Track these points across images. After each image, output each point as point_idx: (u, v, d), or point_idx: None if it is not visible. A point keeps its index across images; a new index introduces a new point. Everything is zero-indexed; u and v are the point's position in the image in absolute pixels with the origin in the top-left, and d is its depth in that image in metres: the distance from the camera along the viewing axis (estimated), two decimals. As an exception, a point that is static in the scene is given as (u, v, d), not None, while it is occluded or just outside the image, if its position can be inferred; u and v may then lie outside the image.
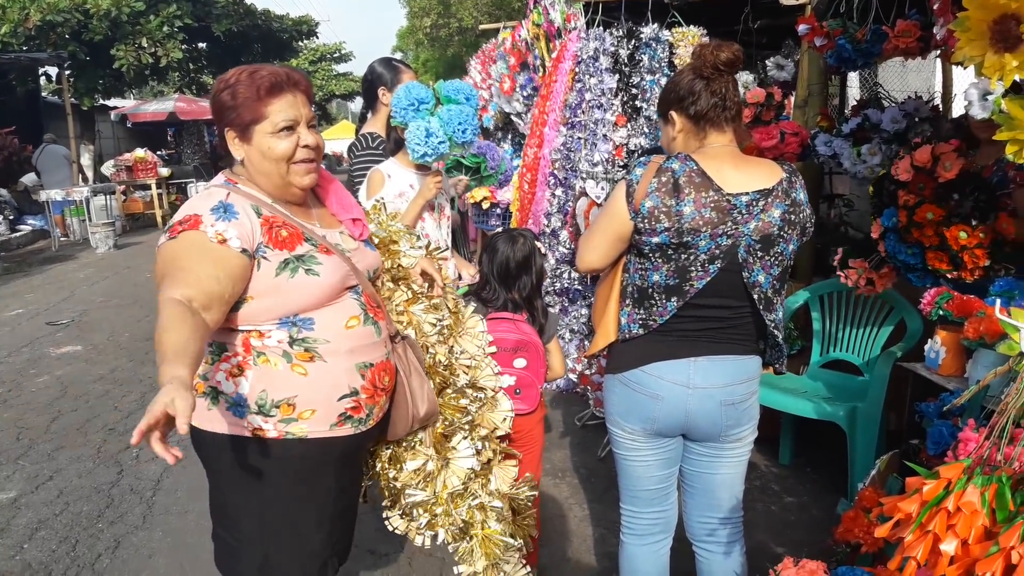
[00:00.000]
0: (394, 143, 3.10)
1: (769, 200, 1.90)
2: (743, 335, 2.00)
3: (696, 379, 1.97)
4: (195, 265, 1.63)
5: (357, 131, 3.66)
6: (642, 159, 1.97)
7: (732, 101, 1.95)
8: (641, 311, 1.97)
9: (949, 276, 2.70)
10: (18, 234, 12.41)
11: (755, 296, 1.93)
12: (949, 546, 1.11)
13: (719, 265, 1.90)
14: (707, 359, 1.98)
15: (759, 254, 1.91)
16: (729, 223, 1.87)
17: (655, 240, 1.90)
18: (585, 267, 2.10)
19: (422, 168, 3.03)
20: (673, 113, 2.01)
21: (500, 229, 4.35)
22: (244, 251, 1.68)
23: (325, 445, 1.81)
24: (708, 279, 1.90)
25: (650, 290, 1.95)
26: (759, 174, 1.93)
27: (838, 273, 3.38)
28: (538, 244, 2.72)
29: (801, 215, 1.96)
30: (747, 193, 1.88)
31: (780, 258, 1.94)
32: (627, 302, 2.01)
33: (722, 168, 1.91)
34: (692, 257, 1.89)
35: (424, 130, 2.81)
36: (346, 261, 1.85)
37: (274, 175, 1.79)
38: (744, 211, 1.88)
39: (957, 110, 4.69)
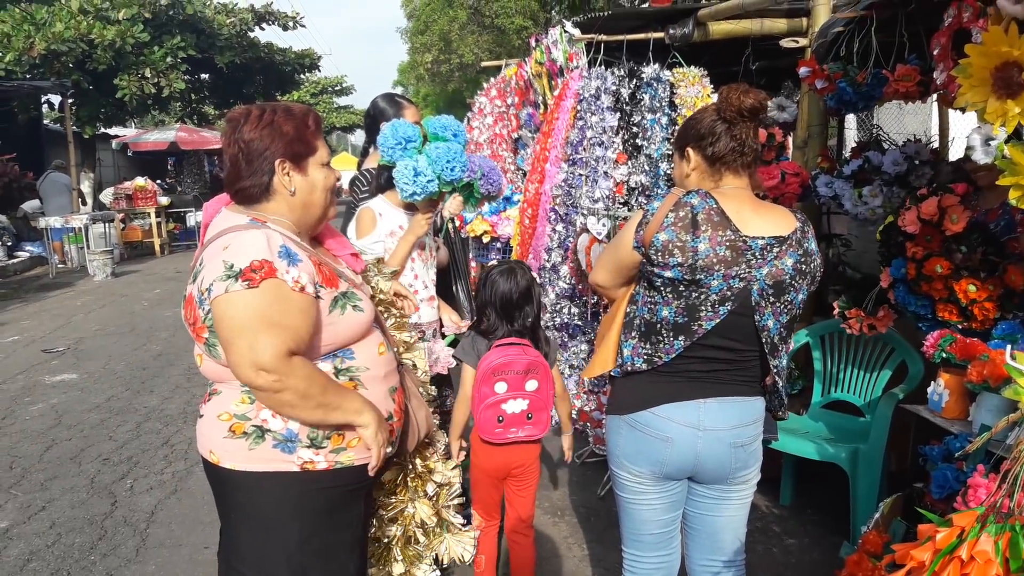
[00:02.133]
0: (385, 180, 3.06)
1: (783, 248, 1.90)
2: (748, 377, 2.00)
3: (706, 421, 1.96)
4: (287, 320, 1.64)
5: (359, 165, 3.67)
6: (661, 192, 1.99)
7: (750, 147, 1.95)
8: (647, 346, 1.96)
9: (960, 327, 2.71)
10: (16, 260, 12.40)
11: (763, 340, 1.93)
12: (963, 596, 1.10)
13: (729, 307, 1.89)
14: (716, 401, 1.96)
15: (771, 299, 1.91)
16: (743, 265, 1.87)
17: (667, 274, 1.89)
18: (592, 281, 2.19)
19: (411, 207, 3.02)
20: (690, 150, 2.00)
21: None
22: (317, 296, 1.72)
23: (365, 471, 1.84)
24: (717, 321, 1.90)
25: (658, 325, 1.94)
26: (776, 221, 1.94)
27: (842, 326, 3.39)
28: (533, 274, 2.75)
29: (812, 264, 1.96)
30: (763, 237, 1.89)
31: (790, 306, 1.95)
32: (632, 335, 2.00)
33: (741, 210, 1.91)
34: (703, 296, 1.89)
35: (412, 169, 2.80)
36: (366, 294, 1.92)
37: (319, 207, 1.86)
38: (758, 255, 1.88)
39: (954, 153, 4.74)
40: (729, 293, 1.89)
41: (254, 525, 1.80)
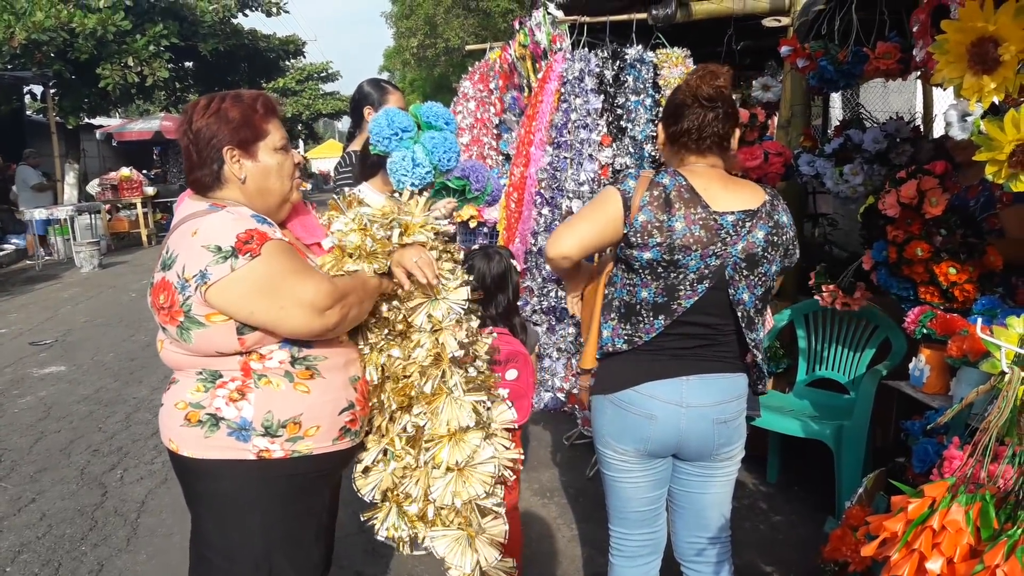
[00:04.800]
0: (370, 166, 3.01)
1: (754, 222, 1.93)
2: (728, 352, 2.02)
3: (689, 398, 1.98)
4: (301, 265, 1.71)
5: (344, 149, 3.66)
6: (631, 171, 2.00)
7: (711, 132, 1.95)
8: (627, 327, 1.98)
9: (942, 308, 2.74)
10: (1, 253, 12.32)
11: (739, 314, 1.95)
12: (935, 564, 1.12)
13: (707, 285, 1.92)
14: (698, 378, 1.99)
15: (744, 273, 1.93)
16: (718, 243, 1.90)
17: (646, 256, 1.91)
18: (559, 252, 2.00)
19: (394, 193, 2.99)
20: (660, 125, 2.08)
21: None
22: None
23: (326, 459, 1.84)
24: (696, 298, 1.92)
25: (638, 306, 1.96)
26: (744, 195, 1.96)
27: (815, 296, 3.42)
28: (513, 262, 2.73)
29: (784, 237, 1.98)
30: (733, 213, 1.91)
31: (764, 279, 1.97)
32: (612, 316, 2.02)
33: (709, 186, 1.93)
34: (681, 276, 1.91)
35: (411, 160, 2.77)
36: None
37: (278, 191, 1.84)
38: (731, 231, 1.90)
39: (938, 130, 4.75)
40: (707, 271, 1.91)
41: (218, 513, 1.80)
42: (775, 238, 1.95)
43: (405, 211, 2.00)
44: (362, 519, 2.05)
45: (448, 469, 1.91)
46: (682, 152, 2.01)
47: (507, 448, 2.03)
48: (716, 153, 1.99)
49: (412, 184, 2.78)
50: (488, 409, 2.02)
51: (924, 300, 2.80)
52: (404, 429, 1.96)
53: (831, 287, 3.28)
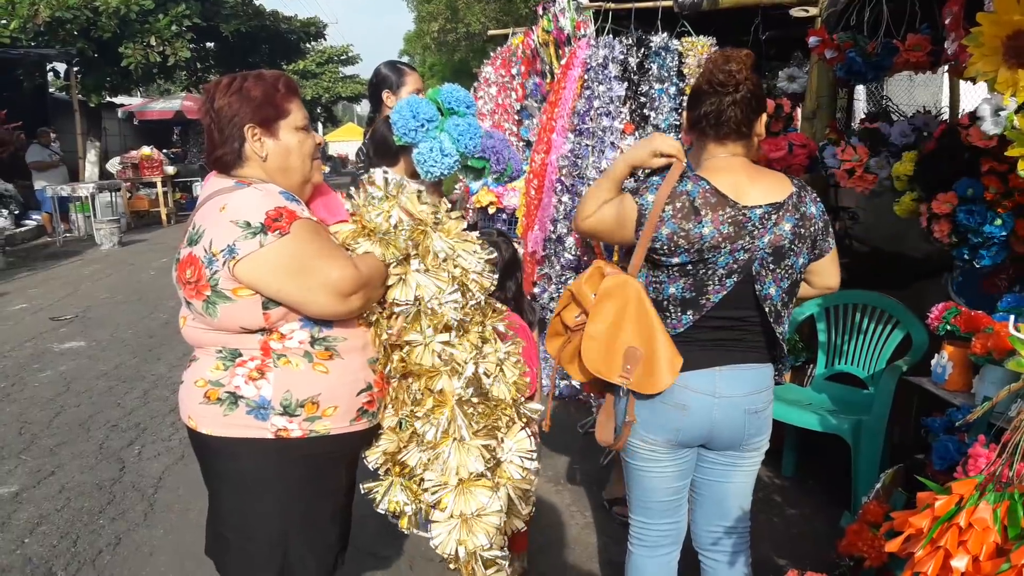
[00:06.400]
0: (392, 154, 2.90)
1: (780, 214, 1.90)
2: (758, 343, 2.00)
3: (721, 388, 1.97)
4: (330, 247, 1.73)
5: (365, 134, 3.63)
6: (654, 179, 1.97)
7: (726, 117, 1.91)
8: None
9: None
10: (23, 229, 12.43)
11: (766, 308, 1.93)
12: (960, 563, 1.11)
13: (736, 279, 1.91)
14: (730, 368, 1.98)
15: (771, 267, 1.91)
16: (746, 237, 1.88)
17: (675, 260, 1.91)
18: (578, 218, 2.07)
19: (415, 174, 2.94)
20: (684, 113, 2.06)
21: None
22: None
23: (344, 440, 1.85)
24: (724, 293, 1.91)
25: (665, 302, 1.95)
26: (771, 187, 1.93)
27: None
28: (516, 244, 2.76)
29: (812, 228, 1.95)
30: (760, 206, 1.89)
31: (790, 271, 1.94)
32: None
33: (736, 181, 1.91)
34: (710, 272, 1.90)
35: (439, 150, 2.75)
36: None
37: (298, 171, 1.84)
38: (759, 224, 1.89)
39: (965, 125, 4.68)
40: (735, 266, 1.90)
41: (235, 491, 1.82)
42: (802, 230, 1.93)
43: (439, 227, 1.95)
44: (362, 490, 2.04)
45: (451, 516, 1.90)
46: (703, 139, 1.99)
47: (522, 499, 2.02)
48: (736, 140, 1.95)
49: (441, 173, 2.77)
50: (495, 451, 1.99)
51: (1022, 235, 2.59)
52: (414, 398, 1.94)
53: (864, 148, 3.15)
